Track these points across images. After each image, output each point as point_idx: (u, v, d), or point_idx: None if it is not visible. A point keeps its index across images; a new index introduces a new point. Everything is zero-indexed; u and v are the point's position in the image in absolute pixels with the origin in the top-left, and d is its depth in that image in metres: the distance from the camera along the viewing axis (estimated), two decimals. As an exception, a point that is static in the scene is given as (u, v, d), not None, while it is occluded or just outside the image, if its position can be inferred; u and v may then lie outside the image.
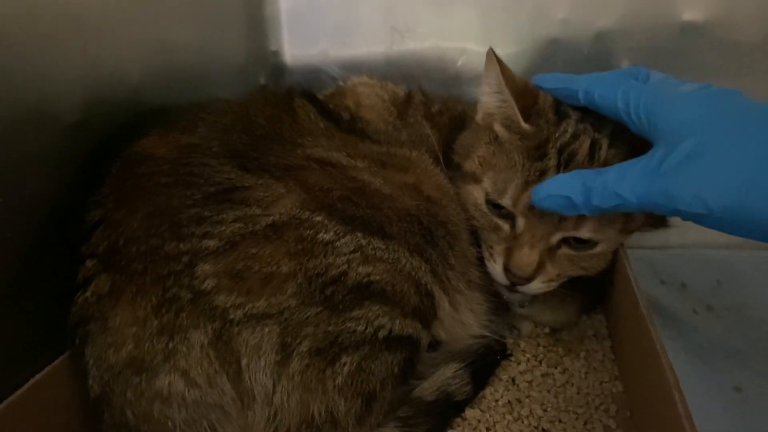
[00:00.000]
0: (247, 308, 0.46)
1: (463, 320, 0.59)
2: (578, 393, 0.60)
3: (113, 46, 0.57)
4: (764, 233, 0.39)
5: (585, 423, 0.56)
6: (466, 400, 0.58)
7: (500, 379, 0.62)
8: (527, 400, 0.59)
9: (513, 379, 0.62)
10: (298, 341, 0.46)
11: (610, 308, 0.69)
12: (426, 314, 0.53)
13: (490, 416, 0.58)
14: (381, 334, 0.49)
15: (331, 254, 0.48)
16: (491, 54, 0.57)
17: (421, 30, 0.85)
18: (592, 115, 0.56)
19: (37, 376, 0.48)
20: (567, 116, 0.57)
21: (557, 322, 0.68)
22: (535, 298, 0.66)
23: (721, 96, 0.45)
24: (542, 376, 0.62)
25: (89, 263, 0.49)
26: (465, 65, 0.85)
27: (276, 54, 0.91)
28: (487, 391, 0.60)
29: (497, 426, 0.56)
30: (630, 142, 0.53)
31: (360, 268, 0.49)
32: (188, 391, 0.45)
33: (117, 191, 0.51)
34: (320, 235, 0.49)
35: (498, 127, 0.59)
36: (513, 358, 0.64)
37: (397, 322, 0.50)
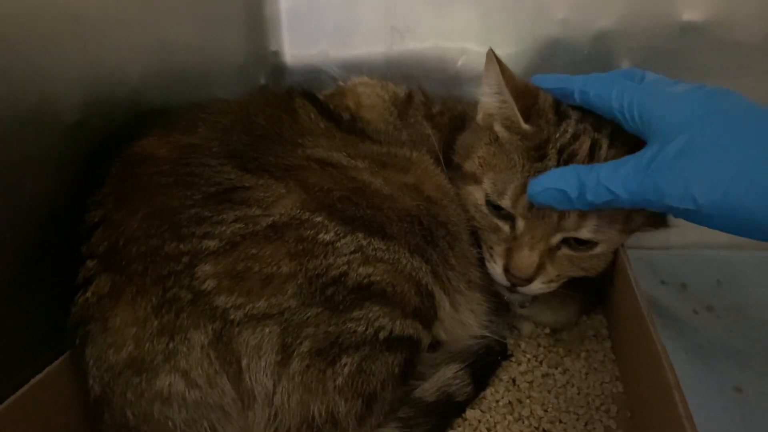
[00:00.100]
0: (247, 309, 0.46)
1: (464, 321, 0.59)
2: (579, 393, 0.60)
3: (113, 46, 0.57)
4: (752, 229, 0.40)
5: (585, 424, 0.56)
6: (467, 400, 0.58)
7: (501, 380, 0.62)
8: (528, 401, 0.59)
9: (513, 380, 0.62)
10: (298, 342, 0.46)
11: (611, 309, 0.69)
12: (426, 315, 0.53)
13: (490, 417, 0.58)
14: (381, 334, 0.49)
15: (332, 255, 0.48)
16: (491, 54, 0.57)
17: (421, 30, 0.85)
18: (592, 116, 0.56)
19: (37, 377, 0.48)
20: (567, 116, 0.57)
21: (558, 322, 0.68)
22: (535, 299, 0.66)
23: (714, 95, 0.45)
24: (543, 376, 0.62)
25: (89, 263, 0.49)
26: (465, 65, 0.85)
27: (276, 54, 0.91)
28: (488, 391, 0.60)
29: (498, 426, 0.56)
30: (630, 143, 0.53)
31: (360, 269, 0.49)
32: (188, 391, 0.45)
33: (117, 191, 0.51)
34: (321, 235, 0.49)
35: (498, 128, 0.59)
36: (513, 359, 0.64)
37: (398, 322, 0.50)
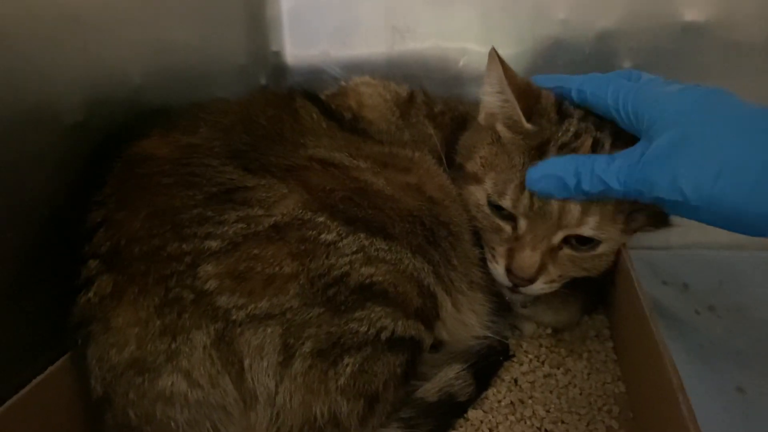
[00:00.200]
0: (249, 309, 0.46)
1: (466, 321, 0.59)
2: (581, 394, 0.60)
3: (113, 46, 0.57)
4: (737, 222, 0.42)
5: (588, 424, 0.56)
6: (469, 400, 0.58)
7: (503, 380, 0.62)
8: (530, 401, 0.59)
9: (515, 380, 0.62)
10: (300, 342, 0.46)
11: (612, 309, 0.69)
12: (428, 315, 0.53)
13: (492, 417, 0.57)
14: (383, 335, 0.49)
15: (334, 255, 0.48)
16: (493, 54, 0.57)
17: (421, 30, 0.85)
18: (594, 115, 0.56)
19: (39, 377, 0.48)
20: (569, 115, 0.57)
21: (559, 322, 0.68)
22: (537, 299, 0.66)
23: (707, 95, 0.46)
24: (545, 376, 0.62)
25: (92, 263, 0.49)
26: (466, 65, 0.85)
27: (277, 54, 0.90)
28: (490, 391, 0.60)
29: (500, 427, 0.56)
30: (631, 142, 0.53)
31: (362, 269, 0.49)
32: (191, 391, 0.45)
33: (118, 192, 0.51)
34: (323, 235, 0.49)
35: (500, 127, 0.59)
36: (515, 359, 0.64)
37: (400, 323, 0.50)
